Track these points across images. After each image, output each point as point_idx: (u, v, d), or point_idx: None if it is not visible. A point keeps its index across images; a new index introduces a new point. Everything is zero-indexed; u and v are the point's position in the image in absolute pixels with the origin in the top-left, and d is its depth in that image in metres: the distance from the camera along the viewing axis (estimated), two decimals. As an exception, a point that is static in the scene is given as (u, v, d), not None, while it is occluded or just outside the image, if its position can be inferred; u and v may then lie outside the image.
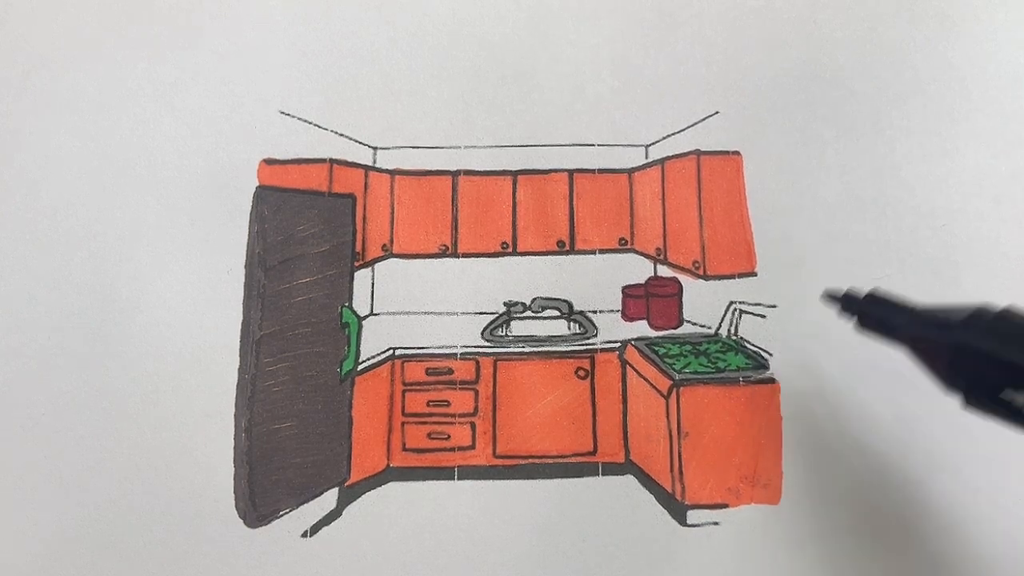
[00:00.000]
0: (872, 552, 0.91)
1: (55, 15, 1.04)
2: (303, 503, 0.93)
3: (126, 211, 0.99)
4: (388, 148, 1.02)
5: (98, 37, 1.03)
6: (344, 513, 0.93)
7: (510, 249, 1.04)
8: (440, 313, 1.00)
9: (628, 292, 1.02)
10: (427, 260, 1.02)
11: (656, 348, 1.00)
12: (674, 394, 0.94)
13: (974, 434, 0.92)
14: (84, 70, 1.02)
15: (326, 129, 1.01)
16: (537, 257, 1.02)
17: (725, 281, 0.98)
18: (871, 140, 1.00)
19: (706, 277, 1.00)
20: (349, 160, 1.01)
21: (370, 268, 1.02)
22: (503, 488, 0.93)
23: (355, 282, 1.00)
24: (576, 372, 0.99)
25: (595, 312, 1.02)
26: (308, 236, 0.98)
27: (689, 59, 1.03)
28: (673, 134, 1.01)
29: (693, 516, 0.92)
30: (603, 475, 0.94)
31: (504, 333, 1.02)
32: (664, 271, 1.03)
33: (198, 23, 1.04)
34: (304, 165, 1.00)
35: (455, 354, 1.00)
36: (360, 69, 1.03)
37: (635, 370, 0.98)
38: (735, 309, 0.98)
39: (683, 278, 1.01)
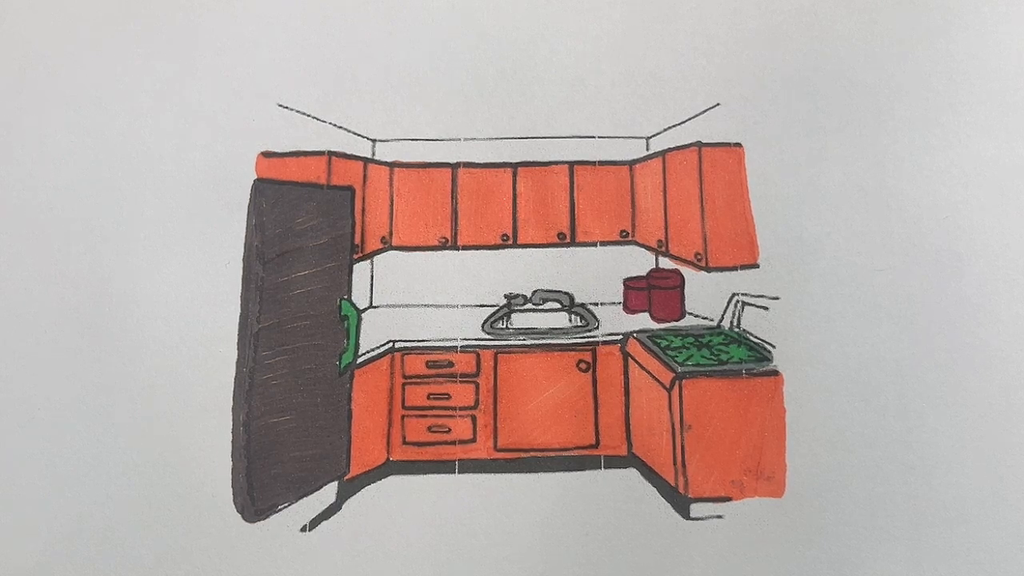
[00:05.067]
0: (876, 545, 0.90)
1: (52, 9, 1.04)
2: (302, 497, 0.92)
3: (124, 205, 0.98)
4: (387, 140, 1.02)
5: (96, 32, 1.03)
6: (344, 507, 0.92)
7: (510, 241, 1.03)
8: (440, 306, 0.99)
9: (630, 284, 1.01)
10: (427, 252, 1.02)
11: (658, 340, 0.99)
12: (676, 387, 0.93)
13: (978, 426, 0.92)
14: (82, 65, 1.02)
15: (324, 122, 1.00)
16: (538, 249, 1.01)
17: (727, 273, 0.98)
18: (873, 131, 0.99)
19: (708, 269, 0.99)
20: (348, 153, 1.01)
21: (369, 261, 1.01)
22: (504, 482, 0.93)
23: (354, 275, 0.99)
24: (578, 365, 0.99)
25: (596, 304, 1.01)
26: (306, 229, 0.98)
27: (690, 51, 1.02)
28: (674, 126, 1.01)
29: (696, 509, 0.92)
30: (605, 468, 0.93)
31: (505, 326, 1.01)
32: (666, 263, 1.03)
33: (196, 17, 1.04)
34: (302, 158, 0.99)
35: (455, 347, 1.00)
36: (359, 62, 1.02)
37: (637, 363, 0.98)
38: (738, 301, 0.97)
39: (685, 270, 1.01)
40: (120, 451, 0.92)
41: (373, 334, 0.98)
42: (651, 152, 1.03)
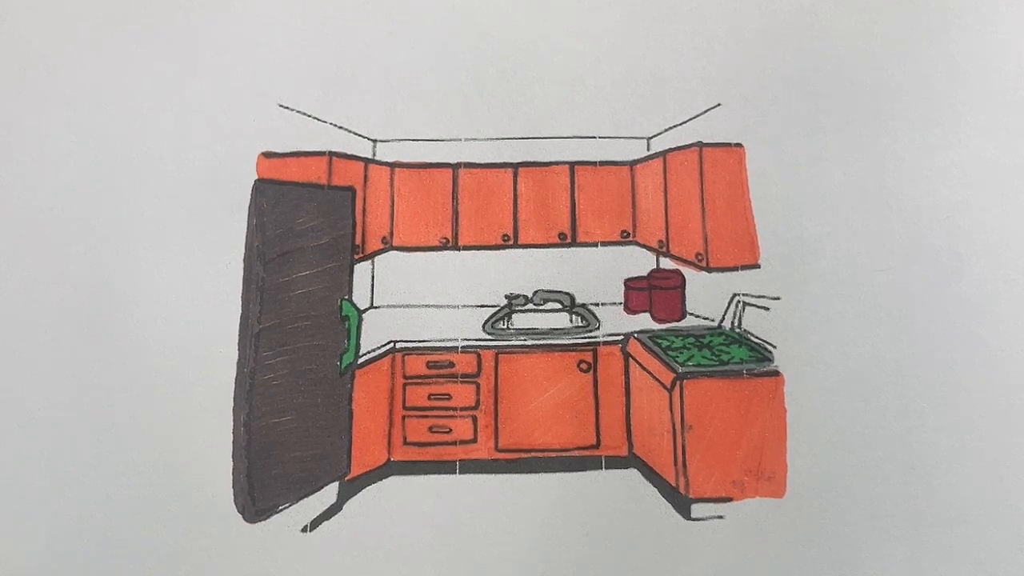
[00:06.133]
0: (876, 545, 0.90)
1: (52, 9, 1.03)
2: (303, 497, 0.92)
3: (124, 205, 0.98)
4: (388, 141, 1.02)
5: (96, 32, 1.03)
6: (344, 508, 0.92)
7: (511, 241, 1.03)
8: (441, 306, 0.99)
9: (630, 284, 1.01)
10: (427, 253, 1.02)
11: (659, 341, 0.99)
12: (677, 387, 0.93)
13: (978, 426, 0.92)
14: (82, 65, 1.02)
15: (325, 122, 1.00)
16: (539, 249, 1.01)
17: (728, 273, 0.98)
18: (873, 131, 0.99)
19: (709, 269, 0.99)
20: (348, 153, 1.01)
21: (370, 261, 1.01)
22: (505, 482, 0.93)
23: (355, 275, 0.99)
24: (578, 365, 0.99)
25: (597, 305, 1.01)
26: (307, 229, 0.98)
27: (690, 51, 1.02)
28: (675, 126, 1.01)
29: (697, 510, 0.92)
30: (606, 469, 0.93)
31: (506, 326, 1.01)
32: (667, 263, 1.03)
33: (196, 17, 1.03)
34: (303, 158, 0.99)
35: (456, 347, 1.00)
36: (359, 62, 1.02)
37: (638, 363, 0.98)
38: (738, 301, 0.97)
39: (686, 270, 1.01)
40: (120, 451, 0.92)
41: (374, 334, 0.98)
42: (652, 152, 1.03)
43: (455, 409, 0.98)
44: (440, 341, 0.99)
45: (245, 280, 0.95)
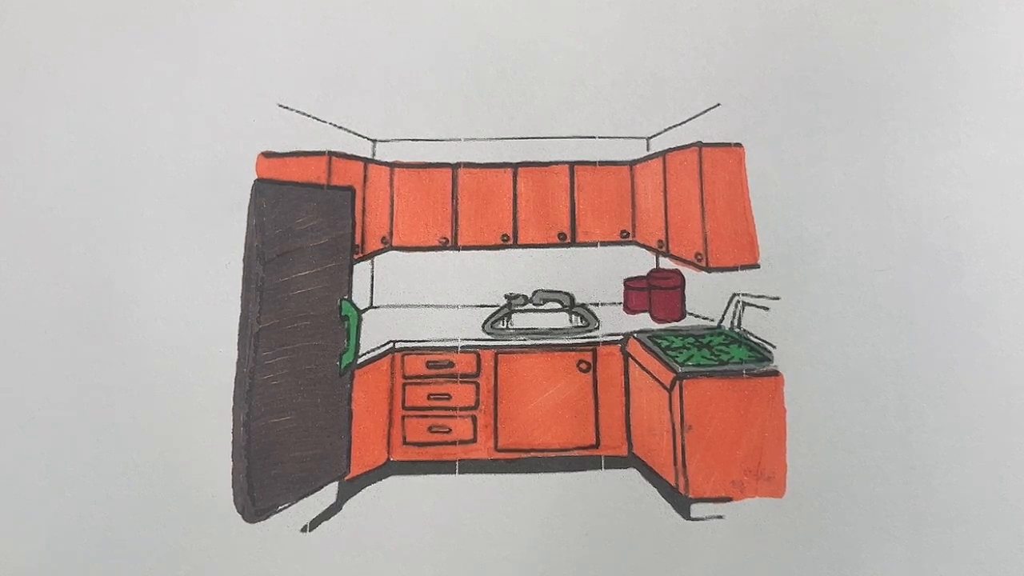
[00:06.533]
0: (876, 545, 0.90)
1: (52, 9, 1.03)
2: (302, 497, 0.92)
3: (124, 205, 0.98)
4: (387, 140, 1.02)
5: (96, 32, 1.03)
6: (344, 507, 0.92)
7: (511, 241, 1.03)
8: (440, 306, 0.99)
9: (630, 284, 1.01)
10: (427, 253, 1.02)
11: (659, 341, 0.99)
12: (677, 387, 0.93)
13: (978, 426, 0.92)
14: (82, 65, 1.02)
15: (325, 122, 1.00)
16: (538, 249, 1.01)
17: (728, 273, 0.98)
18: (873, 131, 0.99)
19: (709, 269, 0.99)
20: (348, 153, 1.01)
21: (369, 261, 1.01)
22: (505, 482, 0.93)
23: (354, 275, 0.99)
24: (578, 365, 0.99)
25: (597, 305, 1.01)
26: (307, 229, 0.98)
27: (690, 51, 1.02)
28: (674, 126, 1.01)
29: (697, 510, 0.92)
30: (606, 468, 0.93)
31: (505, 326, 1.01)
32: (666, 263, 1.03)
33: (196, 17, 1.03)
34: (303, 158, 0.99)
35: (456, 347, 1.00)
36: (359, 62, 1.02)
37: (637, 363, 0.98)
38: (738, 301, 0.97)
39: (685, 270, 1.01)
40: (120, 451, 0.92)
41: (373, 334, 0.98)
42: (651, 152, 1.03)
43: (455, 409, 0.98)
44: (440, 341, 0.99)
45: (245, 280, 0.95)
